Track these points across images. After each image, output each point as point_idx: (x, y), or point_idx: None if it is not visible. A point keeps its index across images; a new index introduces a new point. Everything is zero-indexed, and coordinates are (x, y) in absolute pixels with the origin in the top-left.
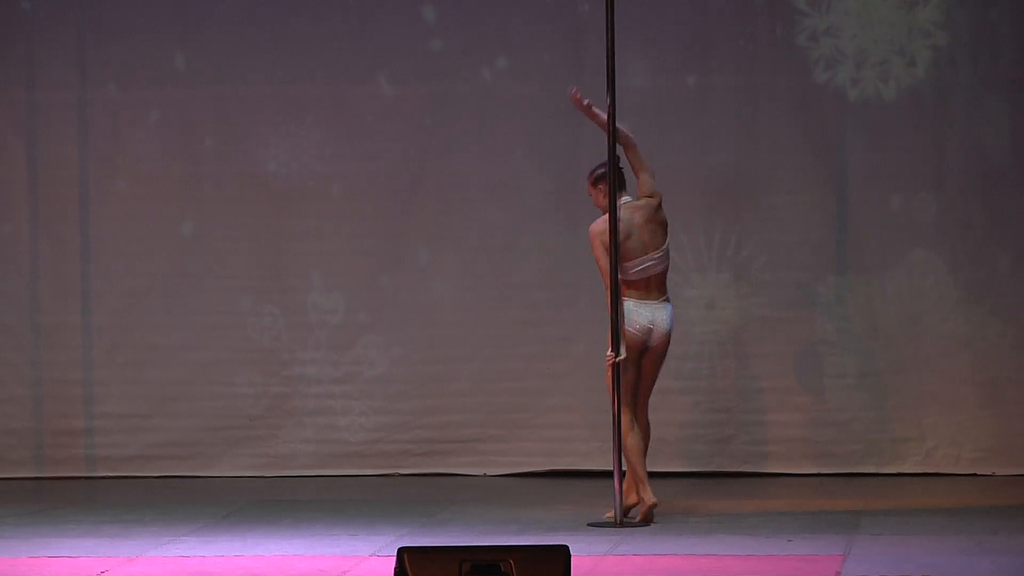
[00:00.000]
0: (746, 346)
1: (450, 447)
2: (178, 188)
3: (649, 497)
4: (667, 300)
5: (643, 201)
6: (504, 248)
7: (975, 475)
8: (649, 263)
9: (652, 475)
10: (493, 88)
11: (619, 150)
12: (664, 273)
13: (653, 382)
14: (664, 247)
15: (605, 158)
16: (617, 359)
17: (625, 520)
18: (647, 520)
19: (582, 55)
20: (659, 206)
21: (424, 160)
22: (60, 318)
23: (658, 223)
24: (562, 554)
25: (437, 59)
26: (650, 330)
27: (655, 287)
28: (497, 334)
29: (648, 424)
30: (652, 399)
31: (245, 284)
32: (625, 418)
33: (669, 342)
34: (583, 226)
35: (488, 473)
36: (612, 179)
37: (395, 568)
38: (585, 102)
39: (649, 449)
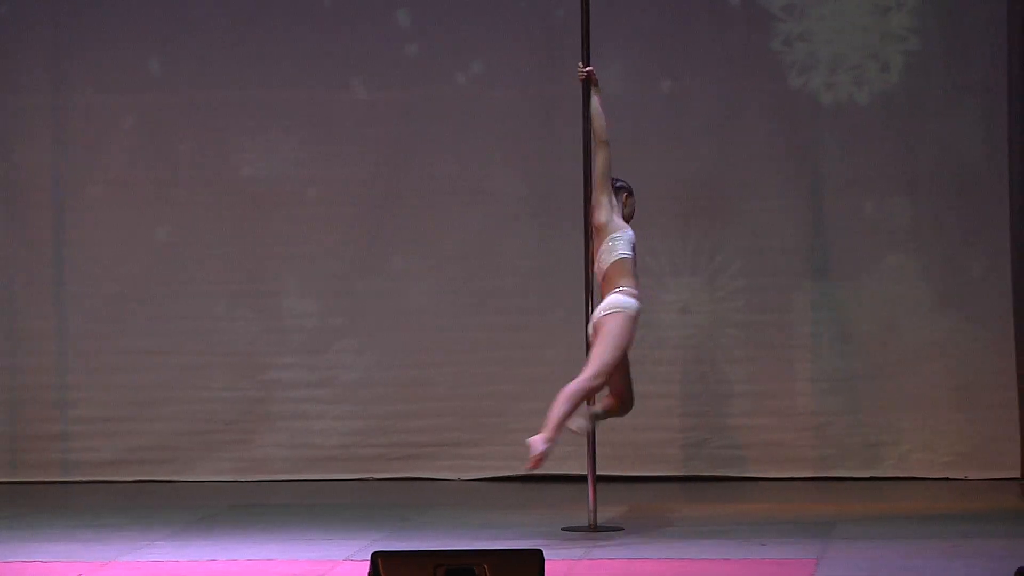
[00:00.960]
0: (721, 351)
1: (425, 451)
2: (153, 193)
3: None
4: (613, 291)
5: None
6: (479, 254)
7: (949, 479)
8: (595, 268)
9: (627, 480)
10: (468, 93)
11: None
12: (609, 271)
13: (594, 358)
14: (599, 249)
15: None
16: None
17: (600, 526)
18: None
19: (557, 60)
20: (593, 210)
21: (399, 165)
22: (34, 323)
23: (595, 229)
24: (536, 559)
25: (412, 64)
26: None
27: (603, 286)
28: (472, 339)
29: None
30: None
31: (220, 289)
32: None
33: (605, 322)
34: (559, 231)
35: (463, 477)
36: (586, 181)
37: (369, 572)
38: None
39: (622, 454)
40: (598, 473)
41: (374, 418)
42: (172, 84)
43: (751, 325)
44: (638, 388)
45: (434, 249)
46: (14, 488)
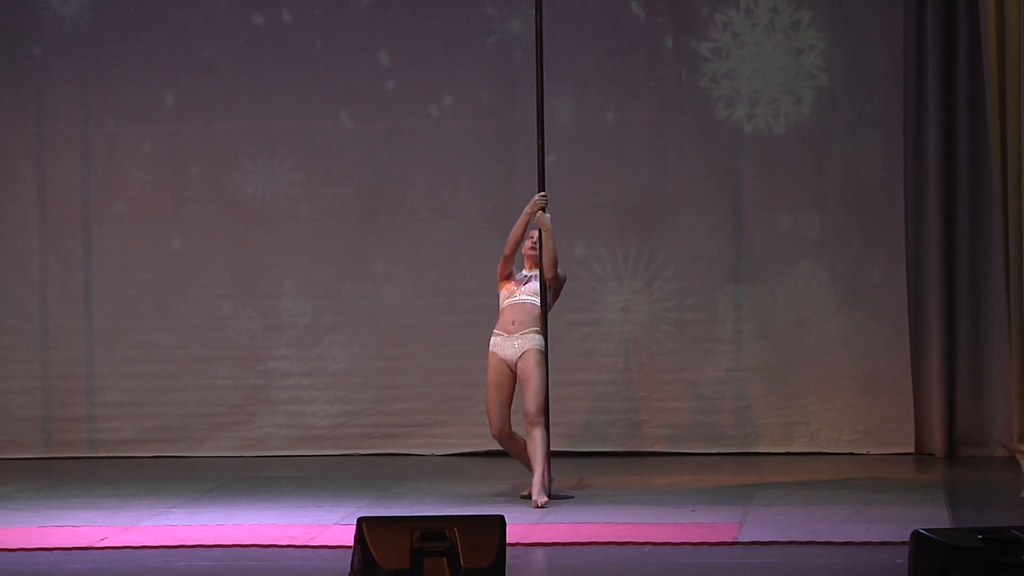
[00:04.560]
0: (657, 344)
1: (403, 431)
2: (168, 209)
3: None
4: (528, 333)
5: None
6: (448, 260)
7: (852, 454)
8: (515, 300)
9: (577, 455)
10: (439, 123)
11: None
12: (531, 315)
13: (529, 396)
14: (534, 298)
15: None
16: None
17: (553, 494)
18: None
19: (516, 95)
20: (552, 282)
21: (380, 185)
22: (66, 321)
23: (542, 288)
24: (498, 523)
25: (391, 98)
26: (500, 356)
27: (517, 322)
28: (443, 334)
29: (531, 435)
30: (571, 391)
31: (226, 291)
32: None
33: (529, 363)
34: None
35: (435, 453)
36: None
37: (355, 535)
38: (538, 217)
39: (573, 432)
40: (552, 449)
41: (358, 402)
42: (184, 115)
43: (682, 322)
44: (587, 376)
45: (409, 257)
46: (48, 463)
